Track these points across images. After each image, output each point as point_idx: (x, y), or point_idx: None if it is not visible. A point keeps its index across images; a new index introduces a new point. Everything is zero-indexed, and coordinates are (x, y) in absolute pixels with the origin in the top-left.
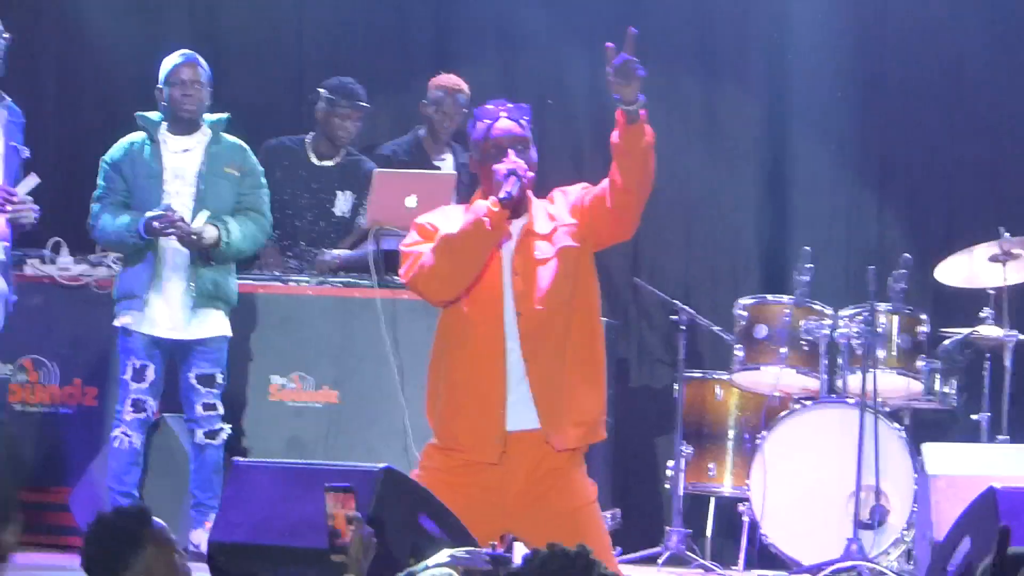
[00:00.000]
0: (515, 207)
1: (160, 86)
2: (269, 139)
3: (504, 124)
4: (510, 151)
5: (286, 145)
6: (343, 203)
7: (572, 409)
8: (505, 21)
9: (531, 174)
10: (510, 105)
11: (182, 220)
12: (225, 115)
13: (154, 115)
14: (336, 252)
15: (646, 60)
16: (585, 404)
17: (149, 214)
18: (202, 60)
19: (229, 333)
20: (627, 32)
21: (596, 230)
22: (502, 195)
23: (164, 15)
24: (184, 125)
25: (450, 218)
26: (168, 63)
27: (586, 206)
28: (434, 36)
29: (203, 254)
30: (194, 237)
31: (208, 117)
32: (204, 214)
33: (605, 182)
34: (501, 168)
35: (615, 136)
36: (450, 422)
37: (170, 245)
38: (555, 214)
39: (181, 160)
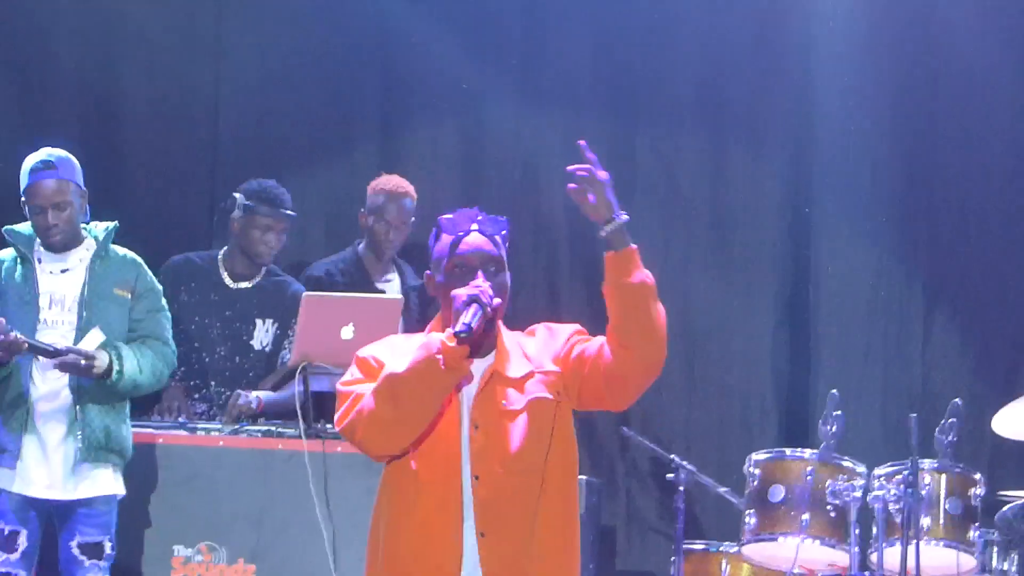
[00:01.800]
0: (478, 343)
1: (23, 199)
2: (173, 255)
3: (474, 239)
4: (479, 273)
5: (194, 263)
6: (263, 334)
7: None
8: (467, 106)
9: (498, 301)
10: (481, 217)
11: (24, 341)
12: (112, 224)
13: (26, 228)
14: (255, 395)
15: (640, 155)
16: None
17: None
18: (69, 161)
19: (121, 492)
20: (580, 146)
21: (580, 391)
22: (459, 328)
23: (46, 86)
24: (56, 248)
25: (399, 351)
26: (24, 173)
27: (573, 358)
28: (379, 126)
29: (89, 392)
30: (83, 362)
31: (92, 227)
32: (96, 335)
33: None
34: (461, 294)
35: (605, 289)
36: None
37: (46, 383)
38: (532, 355)
39: (59, 283)
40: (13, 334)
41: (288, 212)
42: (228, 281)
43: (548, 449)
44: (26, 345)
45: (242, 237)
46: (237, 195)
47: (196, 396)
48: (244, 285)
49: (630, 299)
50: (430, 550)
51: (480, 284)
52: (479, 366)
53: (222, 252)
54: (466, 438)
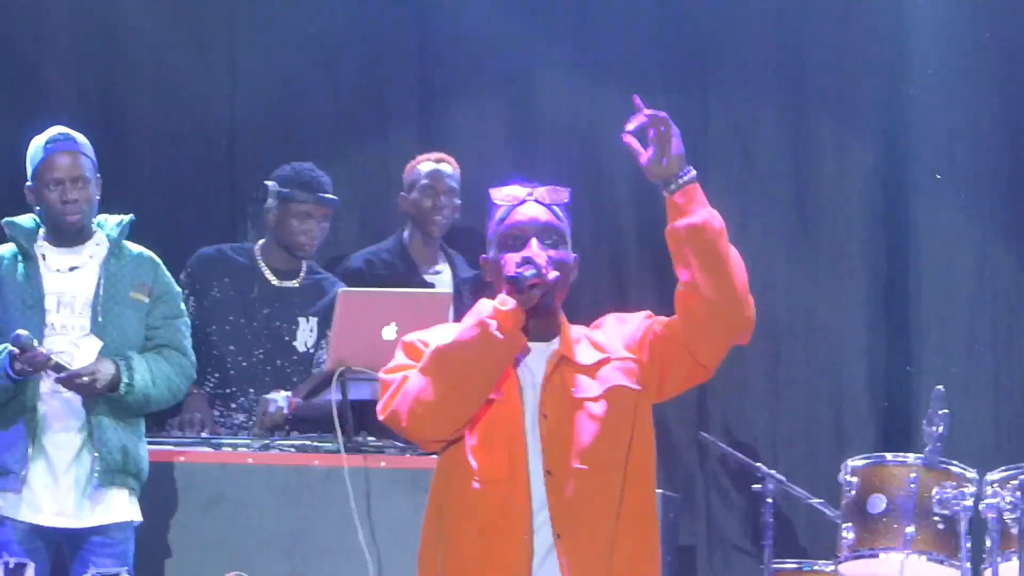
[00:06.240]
0: (535, 313)
1: (30, 184)
2: (189, 251)
3: (529, 210)
4: (533, 240)
5: (228, 256)
6: (307, 333)
7: None
8: (516, 77)
9: (555, 274)
10: (541, 189)
11: (51, 356)
12: (127, 217)
13: (27, 220)
14: (283, 395)
15: (713, 128)
16: None
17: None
18: (82, 140)
19: (138, 518)
20: (634, 101)
21: (663, 375)
22: (511, 273)
23: (40, 66)
24: (70, 234)
25: (449, 336)
26: (36, 150)
27: (650, 342)
28: (417, 103)
29: (103, 407)
30: (84, 379)
31: (103, 220)
32: (95, 343)
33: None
34: (512, 258)
35: (667, 233)
36: None
37: (56, 398)
38: (604, 344)
39: (68, 282)
40: (40, 348)
41: (329, 196)
42: (271, 278)
43: (629, 444)
44: (52, 361)
45: (279, 229)
46: (270, 183)
47: (232, 405)
48: (288, 284)
49: (703, 252)
50: (497, 555)
51: (537, 252)
52: (543, 351)
53: (259, 245)
54: (534, 430)
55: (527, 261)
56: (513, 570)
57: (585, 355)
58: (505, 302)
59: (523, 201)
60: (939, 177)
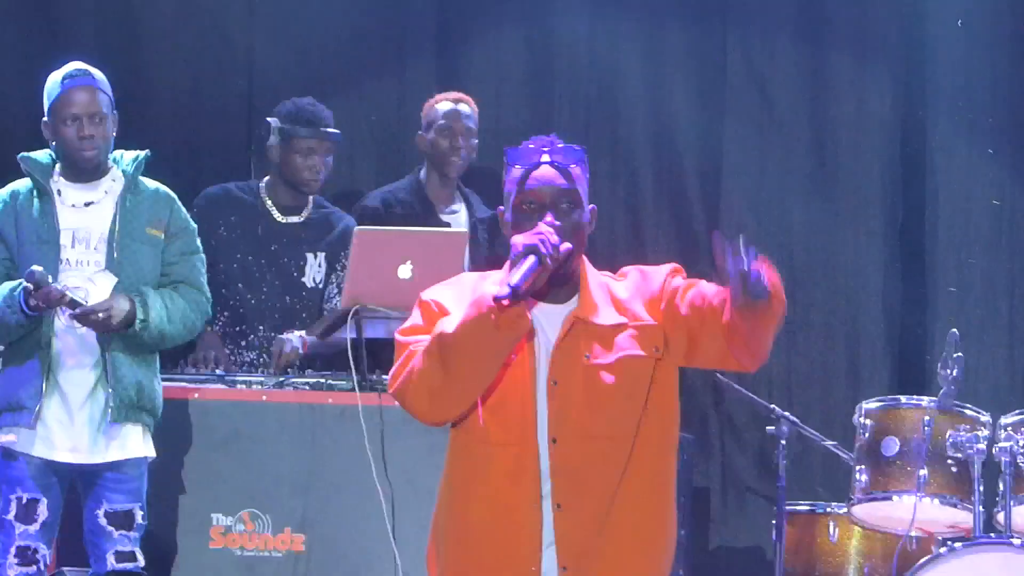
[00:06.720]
0: (550, 283)
1: (46, 119)
2: (208, 186)
3: (544, 173)
4: (548, 215)
5: (233, 194)
6: (315, 269)
7: None
8: (533, 14)
9: (567, 247)
10: (550, 147)
11: (66, 292)
12: (143, 153)
13: (43, 156)
14: (296, 335)
15: (731, 68)
16: None
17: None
18: (100, 76)
19: (152, 454)
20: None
21: (689, 348)
22: (500, 291)
23: (62, 10)
24: (86, 170)
25: (467, 295)
26: (53, 85)
27: (675, 308)
28: (434, 41)
29: (118, 343)
30: (99, 316)
31: (119, 156)
32: (110, 279)
33: (714, 288)
34: (519, 241)
35: (726, 313)
36: None
37: (70, 334)
38: (625, 302)
39: (84, 218)
40: (55, 285)
41: (331, 130)
42: (276, 215)
43: (641, 415)
44: (67, 297)
45: (283, 165)
46: (271, 120)
47: (243, 343)
48: (294, 219)
49: (767, 326)
50: (505, 523)
51: (543, 230)
52: (559, 313)
53: (264, 182)
54: (543, 395)
55: (531, 251)
56: (522, 542)
57: (603, 315)
58: (504, 299)
59: (538, 164)
60: (991, 152)
